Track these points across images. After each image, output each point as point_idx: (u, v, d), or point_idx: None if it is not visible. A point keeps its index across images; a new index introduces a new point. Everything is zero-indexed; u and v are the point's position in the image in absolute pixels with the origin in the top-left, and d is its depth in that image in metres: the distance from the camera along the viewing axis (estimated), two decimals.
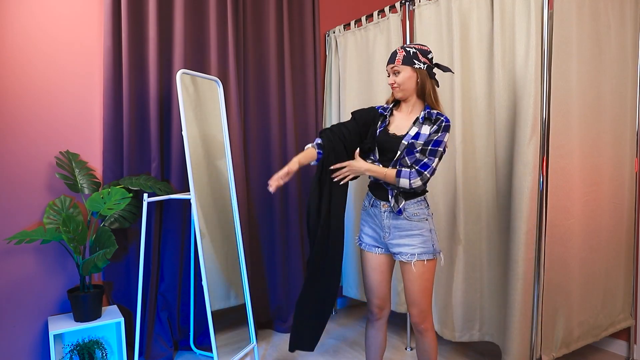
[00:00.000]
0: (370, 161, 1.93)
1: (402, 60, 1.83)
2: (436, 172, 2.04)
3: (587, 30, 2.22)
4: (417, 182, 1.78)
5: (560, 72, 2.12)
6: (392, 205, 1.86)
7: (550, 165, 2.11)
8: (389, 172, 1.82)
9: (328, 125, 3.37)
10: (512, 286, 2.15)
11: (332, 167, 1.90)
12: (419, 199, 1.88)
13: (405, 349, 2.80)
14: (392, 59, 1.86)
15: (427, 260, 1.86)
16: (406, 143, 1.82)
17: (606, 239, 2.41)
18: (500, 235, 2.33)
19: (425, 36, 2.58)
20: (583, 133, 2.26)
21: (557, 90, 2.12)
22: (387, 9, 2.84)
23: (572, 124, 2.19)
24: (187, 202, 2.70)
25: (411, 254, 1.85)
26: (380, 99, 2.92)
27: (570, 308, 2.28)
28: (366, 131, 1.95)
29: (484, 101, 2.37)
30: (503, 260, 2.32)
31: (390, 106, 1.96)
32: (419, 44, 1.87)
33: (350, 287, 3.23)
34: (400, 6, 2.75)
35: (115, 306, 2.58)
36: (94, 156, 2.58)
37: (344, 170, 1.89)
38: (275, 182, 1.81)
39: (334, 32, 3.31)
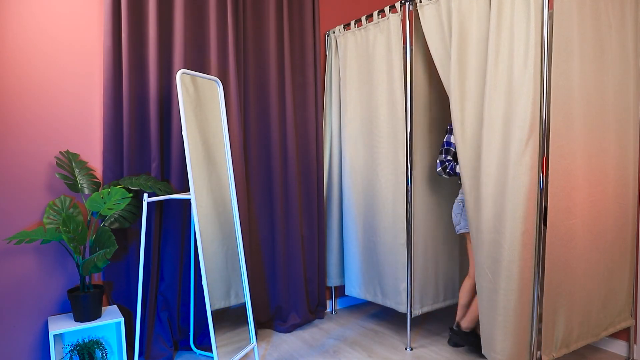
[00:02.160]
0: None
1: None
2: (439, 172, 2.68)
3: (588, 29, 2.22)
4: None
5: (561, 72, 2.12)
6: None
7: (551, 165, 2.11)
8: None
9: (328, 126, 3.37)
10: (510, 287, 2.15)
11: None
12: None
13: (405, 349, 2.80)
14: None
15: None
16: None
17: (612, 239, 2.41)
18: (499, 235, 2.32)
19: (425, 36, 2.58)
20: (587, 133, 2.25)
21: (559, 90, 2.12)
22: (387, 9, 2.84)
23: (575, 124, 2.19)
24: (187, 202, 2.70)
25: None
26: (380, 100, 2.92)
27: (570, 308, 2.28)
28: None
29: (483, 101, 2.36)
30: (502, 260, 2.31)
31: None
32: None
33: (353, 287, 3.23)
34: (400, 6, 2.75)
35: (115, 306, 2.58)
36: (94, 156, 2.58)
37: None
38: None
39: (334, 32, 3.31)
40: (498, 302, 2.19)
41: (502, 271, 2.17)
